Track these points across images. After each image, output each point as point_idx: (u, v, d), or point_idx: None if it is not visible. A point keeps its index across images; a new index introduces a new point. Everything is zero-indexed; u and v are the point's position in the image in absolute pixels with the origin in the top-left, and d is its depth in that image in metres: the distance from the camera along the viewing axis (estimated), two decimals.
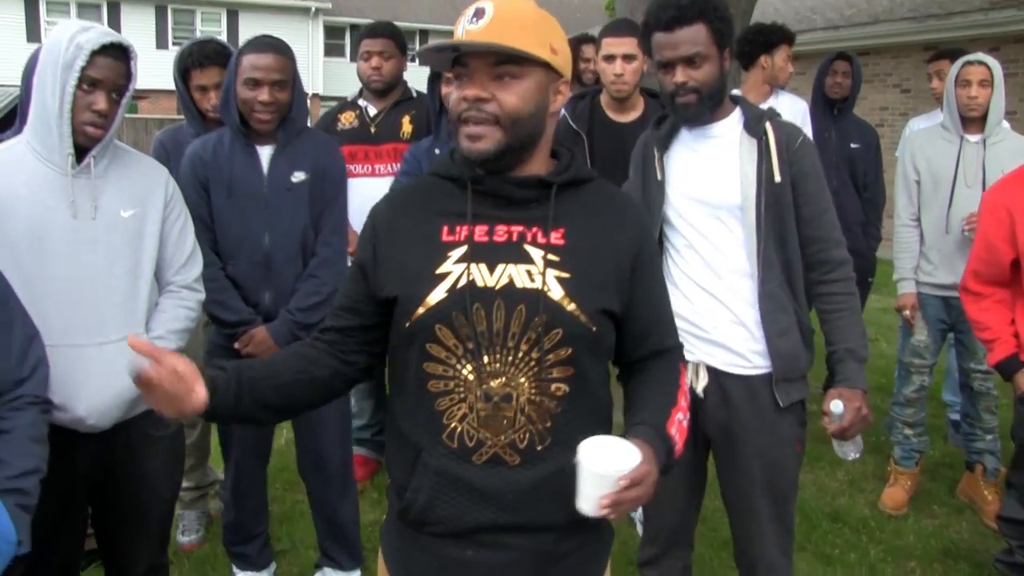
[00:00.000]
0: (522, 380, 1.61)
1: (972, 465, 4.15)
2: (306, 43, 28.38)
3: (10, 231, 2.16)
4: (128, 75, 2.30)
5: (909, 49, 11.33)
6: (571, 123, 3.76)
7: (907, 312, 4.05)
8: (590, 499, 1.48)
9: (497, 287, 1.62)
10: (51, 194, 2.25)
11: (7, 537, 1.77)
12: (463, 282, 1.62)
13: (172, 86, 3.63)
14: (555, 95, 1.69)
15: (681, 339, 2.45)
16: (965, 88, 3.84)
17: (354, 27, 30.20)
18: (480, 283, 1.63)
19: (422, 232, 1.69)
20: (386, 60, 3.89)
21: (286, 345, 2.73)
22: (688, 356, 2.49)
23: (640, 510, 3.84)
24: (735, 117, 2.51)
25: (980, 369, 3.97)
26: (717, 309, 2.48)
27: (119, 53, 2.26)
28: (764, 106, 4.31)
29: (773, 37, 4.43)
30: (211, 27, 27.61)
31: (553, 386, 1.63)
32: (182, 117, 3.64)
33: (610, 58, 3.63)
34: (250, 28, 26.94)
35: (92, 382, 2.22)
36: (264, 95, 2.91)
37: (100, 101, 2.22)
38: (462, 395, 1.62)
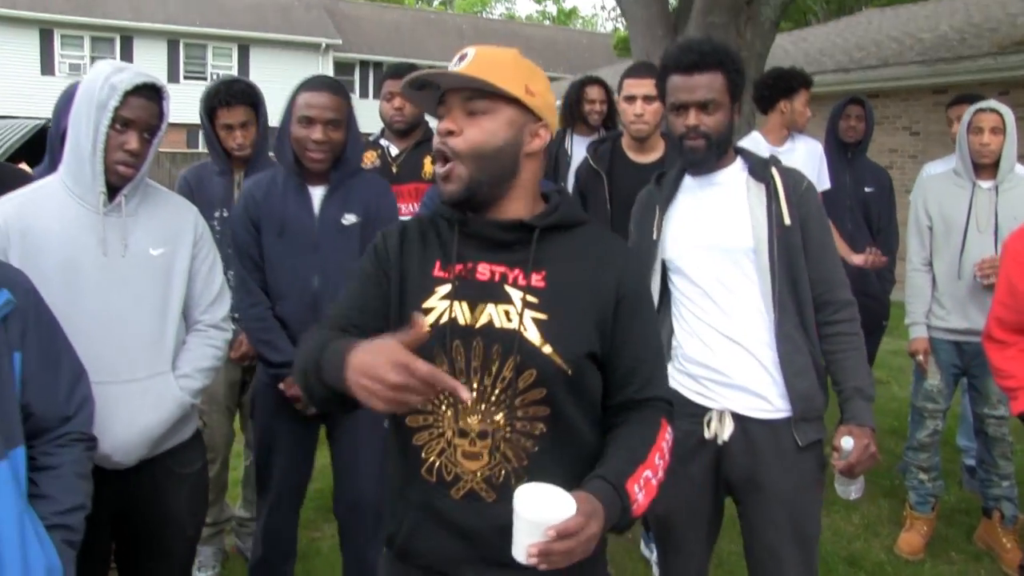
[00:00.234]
0: (498, 418, 1.65)
1: (989, 512, 4.12)
2: None
3: (42, 267, 2.18)
4: (160, 115, 2.34)
5: (919, 92, 11.39)
6: (592, 164, 3.82)
7: (919, 357, 4.06)
8: (519, 545, 1.45)
9: (477, 326, 1.67)
10: (83, 231, 2.28)
11: (55, 572, 1.79)
12: (445, 319, 1.67)
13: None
14: (532, 136, 1.72)
15: (703, 387, 2.49)
16: (977, 135, 3.87)
17: (363, 63, 30.60)
18: (461, 321, 1.67)
19: (420, 264, 1.76)
20: (409, 101, 3.92)
21: None
22: (710, 404, 2.52)
23: (655, 553, 3.87)
24: (738, 165, 2.57)
25: (994, 415, 3.95)
26: (737, 353, 2.49)
27: (152, 93, 2.30)
28: (782, 149, 4.40)
29: (793, 82, 4.49)
30: (222, 61, 28.03)
31: (530, 425, 1.65)
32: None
33: (631, 99, 3.69)
34: (261, 62, 27.52)
35: (118, 419, 2.23)
36: (317, 134, 2.91)
37: (132, 141, 2.26)
38: (440, 430, 1.67)
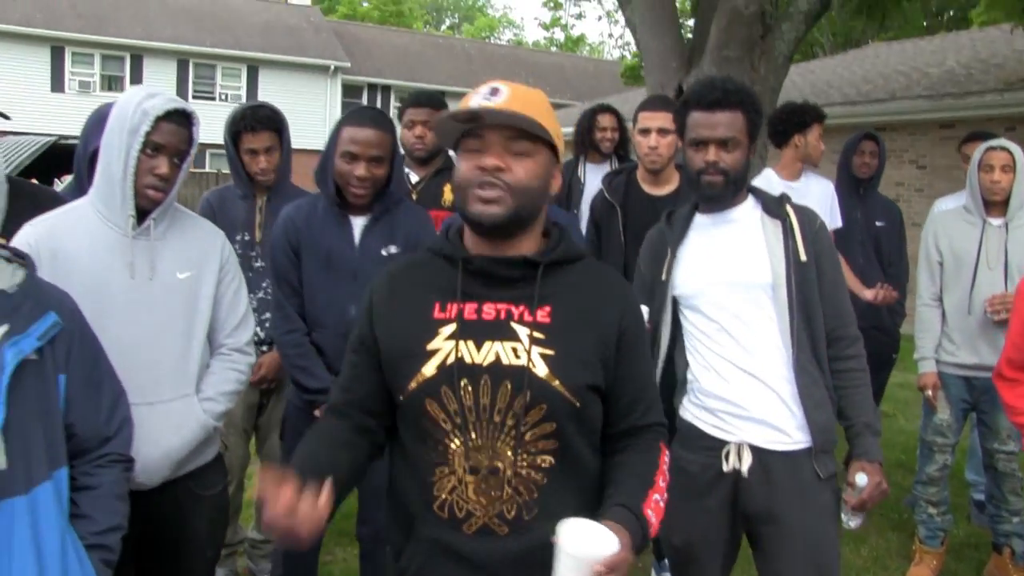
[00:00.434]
0: (508, 453, 1.67)
1: (1000, 547, 4.12)
2: (323, 101, 28.91)
3: (71, 289, 2.18)
4: (190, 140, 2.36)
5: (925, 126, 11.44)
6: (607, 196, 3.86)
7: (929, 391, 4.08)
8: None
9: (484, 364, 1.69)
10: (111, 254, 2.30)
11: None
12: (452, 359, 1.69)
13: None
14: (552, 179, 1.78)
15: (721, 420, 2.52)
16: (988, 172, 3.92)
17: (371, 86, 30.70)
18: (468, 360, 1.69)
19: (416, 308, 1.76)
20: (429, 129, 3.90)
21: None
22: (728, 437, 2.54)
23: None
24: (750, 202, 2.61)
25: (1004, 450, 3.97)
26: (755, 387, 2.51)
27: (182, 119, 2.32)
28: (795, 185, 4.44)
29: (806, 116, 4.52)
30: (231, 81, 28.15)
31: (539, 459, 1.69)
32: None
33: (645, 132, 3.74)
34: (270, 83, 27.65)
35: (143, 440, 2.21)
36: (360, 170, 2.90)
37: (162, 166, 2.29)
38: (452, 467, 1.69)
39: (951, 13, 23.99)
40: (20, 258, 1.87)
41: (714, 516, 2.58)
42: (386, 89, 31.26)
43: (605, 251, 3.83)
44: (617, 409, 1.81)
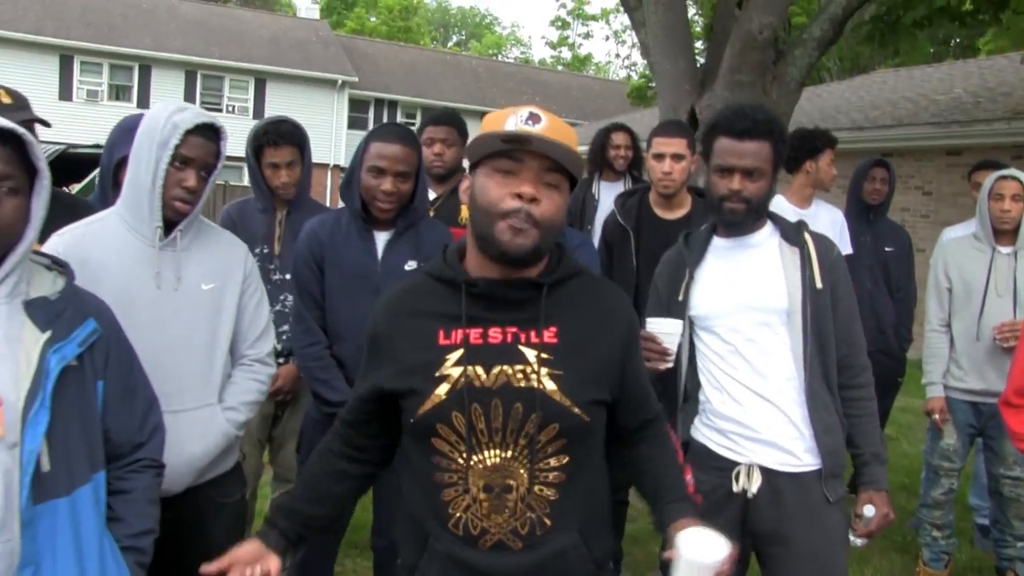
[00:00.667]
0: (521, 472, 1.71)
1: (1003, 571, 4.15)
2: (330, 114, 28.94)
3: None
4: (217, 154, 2.40)
5: (932, 153, 11.46)
6: (619, 219, 3.90)
7: (936, 416, 4.13)
8: None
9: (494, 387, 1.71)
10: (138, 264, 2.34)
11: None
12: (461, 384, 1.71)
13: None
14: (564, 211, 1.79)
15: (732, 442, 2.55)
16: (998, 201, 3.98)
17: (378, 101, 30.75)
18: (477, 384, 1.71)
19: (420, 337, 1.77)
20: (448, 147, 3.99)
21: None
22: (739, 458, 2.56)
23: None
24: (768, 228, 2.63)
25: (1010, 475, 4.01)
26: (767, 410, 2.53)
27: (210, 133, 2.37)
28: (806, 212, 4.48)
29: (817, 142, 4.57)
30: (239, 93, 28.20)
31: (551, 475, 1.73)
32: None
33: (660, 157, 3.77)
34: (277, 96, 27.68)
35: (166, 448, 2.20)
36: (387, 185, 2.94)
37: (190, 178, 2.33)
38: (465, 487, 1.72)
39: (958, 40, 24.05)
40: (60, 266, 1.91)
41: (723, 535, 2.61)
42: (393, 104, 31.34)
43: (617, 273, 3.87)
44: (628, 410, 1.89)
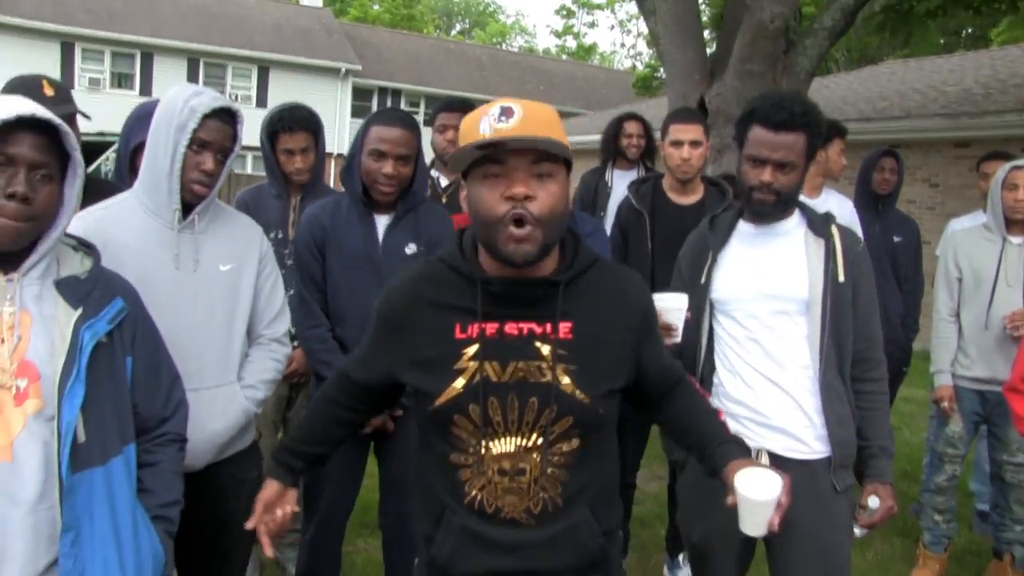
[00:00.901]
0: (535, 456, 1.76)
1: (1000, 554, 4.24)
2: (333, 103, 28.82)
3: None
4: (234, 138, 2.43)
5: (940, 145, 11.41)
6: (634, 204, 3.94)
7: (945, 404, 4.18)
8: (756, 524, 1.79)
9: (510, 381, 1.74)
10: (157, 247, 2.37)
11: (159, 558, 1.91)
12: (478, 378, 1.73)
13: None
14: (568, 194, 1.76)
15: (742, 425, 2.58)
16: (1012, 191, 4.01)
17: (382, 90, 30.65)
18: (493, 379, 1.74)
19: (437, 329, 1.78)
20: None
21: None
22: (748, 443, 2.55)
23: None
24: (796, 217, 2.63)
25: (1013, 461, 4.07)
26: (779, 397, 2.56)
27: (227, 117, 2.40)
28: (815, 201, 4.51)
29: (829, 132, 4.51)
30: (242, 82, 28.06)
31: (563, 459, 1.77)
32: None
33: (678, 143, 3.80)
34: (280, 85, 27.50)
35: (188, 425, 2.24)
36: (388, 168, 2.97)
37: (208, 161, 2.36)
38: (480, 469, 1.76)
39: (969, 31, 23.95)
40: (86, 247, 1.95)
41: (731, 516, 2.62)
42: (396, 93, 31.26)
43: (632, 258, 3.91)
44: (654, 384, 1.95)
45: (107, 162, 10.82)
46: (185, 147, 2.32)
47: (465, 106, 4.09)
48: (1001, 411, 3.93)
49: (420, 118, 30.40)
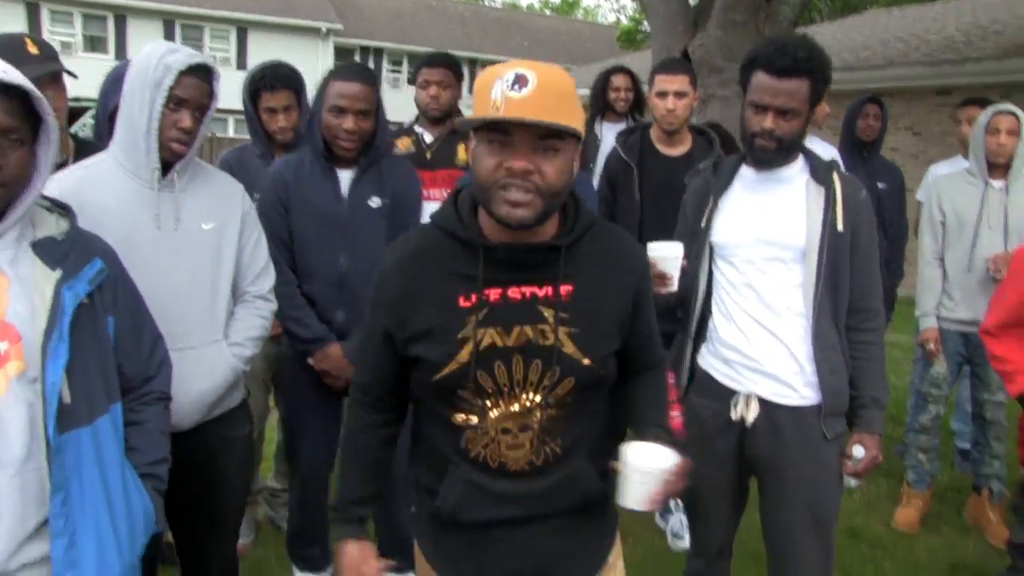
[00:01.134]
0: (537, 414, 1.79)
1: (979, 488, 4.39)
2: (315, 63, 28.18)
3: None
4: (211, 95, 2.39)
5: (921, 93, 11.45)
6: (622, 154, 3.94)
7: (931, 345, 4.26)
8: (635, 495, 1.77)
9: (515, 345, 1.75)
10: (137, 207, 2.34)
11: (150, 515, 1.93)
12: (484, 345, 1.74)
13: None
14: (574, 163, 1.74)
15: (734, 371, 2.63)
16: (995, 136, 4.06)
17: (364, 49, 30.23)
18: (499, 344, 1.75)
19: (438, 297, 1.77)
20: (444, 89, 3.97)
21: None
22: (738, 387, 2.63)
23: (674, 525, 4.04)
24: (800, 163, 2.61)
25: (993, 400, 4.21)
26: (771, 343, 2.58)
27: (203, 74, 2.35)
28: None
29: None
30: (220, 43, 27.56)
31: (564, 413, 1.81)
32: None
33: (663, 94, 3.81)
34: (259, 46, 26.89)
35: (175, 385, 2.22)
36: (348, 123, 2.99)
37: (185, 119, 2.32)
38: (484, 429, 1.79)
39: None
40: (60, 208, 1.92)
41: (722, 461, 2.69)
42: (378, 52, 30.92)
43: (620, 209, 3.92)
44: (632, 354, 1.96)
45: (84, 128, 10.66)
46: (162, 105, 2.28)
47: (448, 62, 4.08)
48: (983, 352, 3.96)
49: (403, 76, 30.20)
